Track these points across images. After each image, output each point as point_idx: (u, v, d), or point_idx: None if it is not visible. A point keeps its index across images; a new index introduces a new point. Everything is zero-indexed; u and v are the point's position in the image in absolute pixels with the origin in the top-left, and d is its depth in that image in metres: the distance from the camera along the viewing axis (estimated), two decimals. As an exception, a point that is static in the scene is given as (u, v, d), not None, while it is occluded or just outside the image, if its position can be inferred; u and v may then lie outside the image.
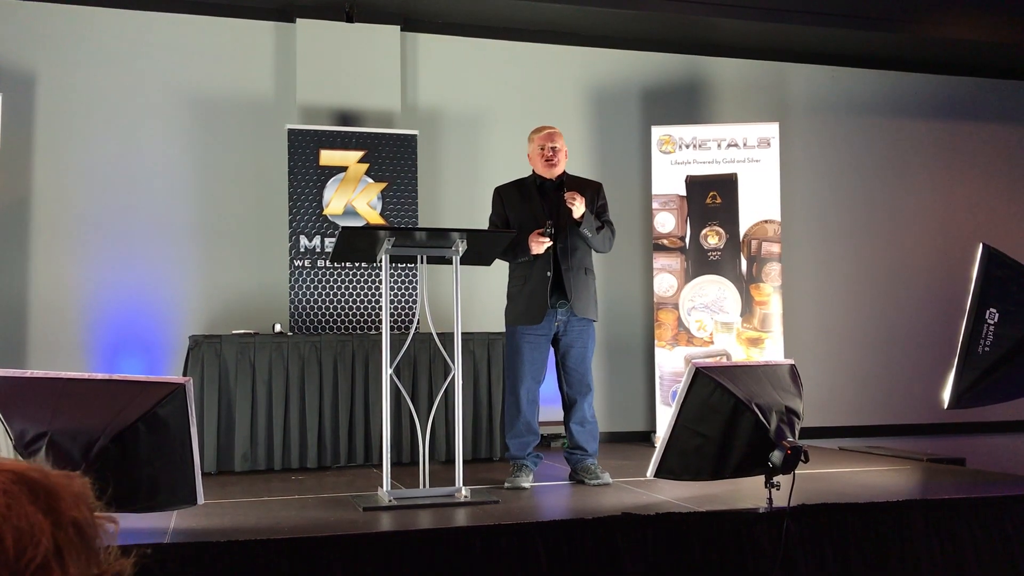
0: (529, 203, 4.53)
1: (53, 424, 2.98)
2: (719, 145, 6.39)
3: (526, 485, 4.35)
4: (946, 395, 4.27)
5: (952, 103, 7.57)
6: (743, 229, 6.32)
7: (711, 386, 3.55)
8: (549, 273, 4.42)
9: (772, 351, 6.18)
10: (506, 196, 4.61)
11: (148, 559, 0.89)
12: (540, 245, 4.36)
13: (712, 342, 6.25)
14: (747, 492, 3.75)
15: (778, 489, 3.48)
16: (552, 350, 4.56)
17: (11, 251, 5.69)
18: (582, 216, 4.37)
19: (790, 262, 6.68)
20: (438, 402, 4.38)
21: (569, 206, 4.35)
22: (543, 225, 4.36)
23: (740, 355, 6.18)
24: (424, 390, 5.39)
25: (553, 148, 4.53)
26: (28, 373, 3.26)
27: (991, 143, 7.62)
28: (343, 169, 5.92)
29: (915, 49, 7.23)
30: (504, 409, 5.20)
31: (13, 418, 3.00)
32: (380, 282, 5.38)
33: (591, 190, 4.57)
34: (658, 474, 3.66)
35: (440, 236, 4.06)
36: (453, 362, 4.05)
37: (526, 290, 4.47)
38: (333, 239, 5.66)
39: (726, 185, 6.35)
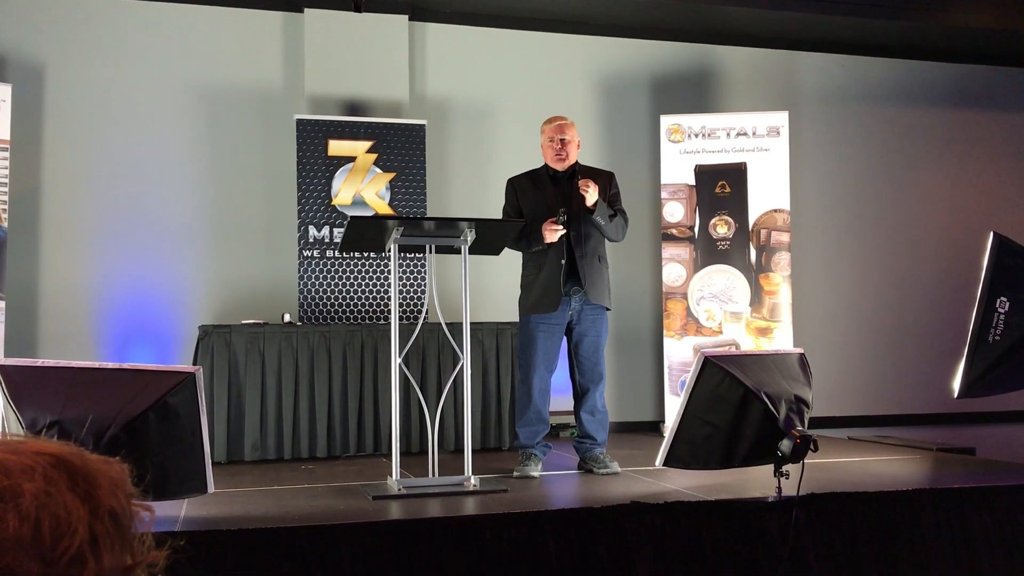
0: (542, 192, 4.53)
1: (64, 413, 3.00)
2: (728, 134, 6.37)
3: (535, 474, 4.36)
4: (956, 384, 4.25)
5: (963, 91, 7.52)
6: (752, 218, 6.30)
7: (720, 375, 3.54)
8: (563, 261, 4.41)
9: (781, 340, 6.16)
10: (519, 186, 4.62)
11: (181, 551, 0.87)
12: (554, 233, 4.36)
13: (721, 332, 6.24)
14: (756, 481, 3.74)
15: (787, 478, 3.48)
16: (564, 339, 4.56)
17: (22, 241, 5.70)
18: (595, 204, 4.37)
19: (799, 251, 6.66)
20: (447, 391, 4.39)
21: (583, 193, 4.35)
22: (556, 214, 4.36)
23: (749, 345, 6.17)
24: (433, 380, 5.40)
25: (562, 140, 4.52)
26: (39, 362, 3.27)
27: (1002, 131, 7.57)
28: (352, 159, 5.92)
29: (926, 37, 7.18)
30: (514, 398, 5.21)
31: (25, 406, 3.02)
32: (389, 272, 5.37)
33: (603, 179, 4.57)
34: (667, 463, 3.66)
35: (449, 225, 4.06)
36: (462, 352, 4.05)
37: (540, 278, 4.46)
38: (342, 229, 5.65)
39: (735, 174, 6.33)
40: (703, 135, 6.38)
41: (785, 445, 3.44)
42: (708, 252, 6.30)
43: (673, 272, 6.34)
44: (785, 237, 6.30)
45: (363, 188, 5.93)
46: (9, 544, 0.69)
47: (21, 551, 0.69)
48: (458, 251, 4.08)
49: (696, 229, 6.33)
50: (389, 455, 4.28)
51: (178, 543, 0.87)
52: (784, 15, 6.70)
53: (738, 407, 3.52)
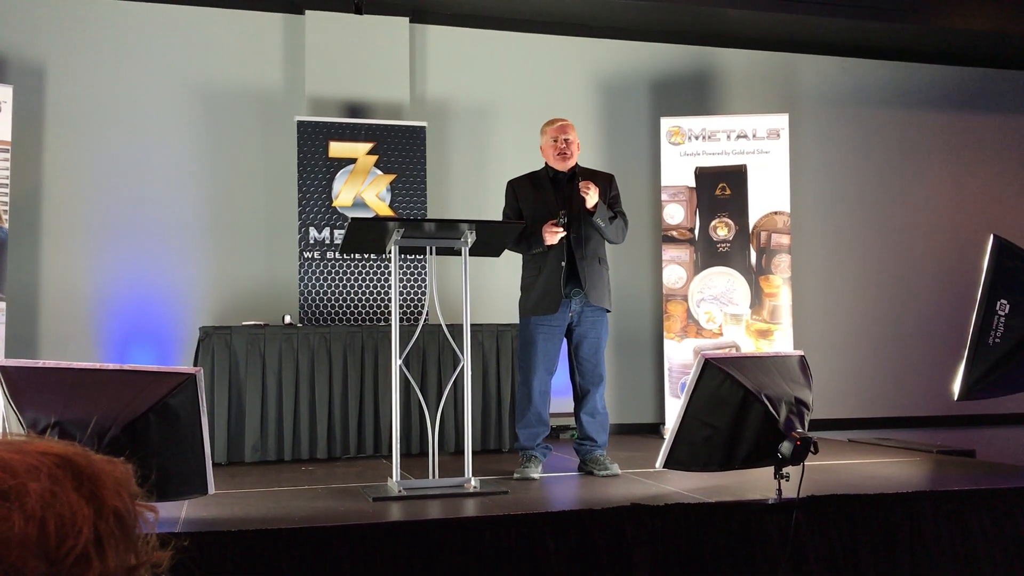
0: (542, 195, 4.54)
1: (64, 414, 3.00)
2: (728, 136, 6.37)
3: (535, 476, 4.36)
4: (956, 387, 4.25)
5: (963, 94, 7.53)
6: (752, 221, 6.31)
7: (720, 377, 3.55)
8: (563, 263, 4.42)
9: (781, 343, 6.16)
10: (519, 189, 4.62)
11: (185, 552, 0.87)
12: (554, 235, 4.36)
13: (721, 334, 6.24)
14: (756, 483, 3.74)
15: (787, 480, 3.48)
16: (565, 341, 4.57)
17: (23, 243, 5.71)
18: (595, 205, 4.38)
19: (799, 254, 6.66)
20: (447, 393, 4.39)
21: (583, 195, 4.36)
22: (556, 216, 4.37)
23: (749, 347, 6.17)
24: (433, 381, 5.40)
25: (566, 140, 4.53)
26: (40, 363, 3.27)
27: (1002, 134, 7.58)
28: (352, 161, 5.93)
29: (925, 40, 7.19)
30: (514, 399, 5.21)
31: (25, 407, 3.02)
32: (389, 273, 5.39)
33: (603, 181, 4.58)
34: (667, 465, 3.66)
35: (449, 227, 4.06)
36: (462, 353, 4.05)
37: (541, 280, 4.47)
38: (342, 231, 5.66)
39: (735, 176, 6.33)
40: (703, 137, 6.39)
41: (785, 447, 3.44)
42: (708, 254, 6.30)
43: (673, 274, 6.34)
44: (785, 239, 6.31)
45: (364, 190, 5.93)
46: (14, 543, 0.69)
47: (26, 550, 0.70)
48: (458, 253, 4.08)
49: (696, 231, 6.34)
50: (389, 456, 4.28)
51: (182, 544, 0.87)
52: (784, 18, 6.71)
53: (738, 409, 3.52)
